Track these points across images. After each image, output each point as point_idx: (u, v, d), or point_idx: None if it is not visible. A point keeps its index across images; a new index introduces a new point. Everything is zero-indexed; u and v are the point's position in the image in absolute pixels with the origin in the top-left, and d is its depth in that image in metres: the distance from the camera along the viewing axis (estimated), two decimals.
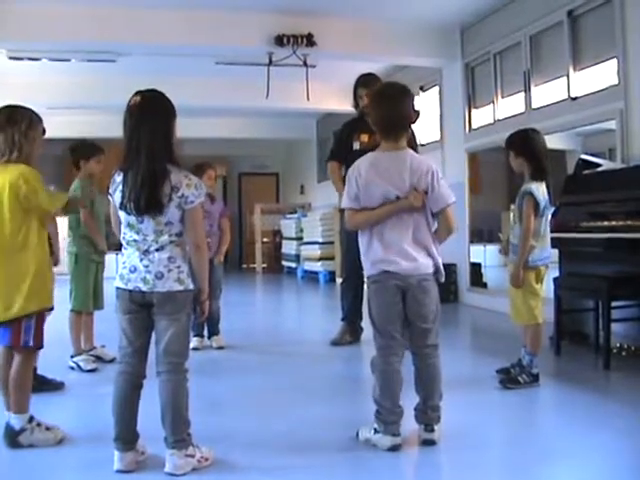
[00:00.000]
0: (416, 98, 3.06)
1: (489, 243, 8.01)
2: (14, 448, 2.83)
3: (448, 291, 7.60)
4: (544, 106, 6.31)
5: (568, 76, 5.93)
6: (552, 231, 3.92)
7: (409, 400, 2.88)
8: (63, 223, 4.57)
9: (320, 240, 11.36)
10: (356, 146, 5.03)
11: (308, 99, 7.67)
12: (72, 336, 4.46)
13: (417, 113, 2.91)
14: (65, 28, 6.49)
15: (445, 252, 3.04)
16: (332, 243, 10.91)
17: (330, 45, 7.12)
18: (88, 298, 4.48)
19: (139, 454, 2.65)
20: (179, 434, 2.56)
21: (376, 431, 2.83)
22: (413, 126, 3.05)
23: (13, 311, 2.82)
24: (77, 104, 9.60)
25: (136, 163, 2.54)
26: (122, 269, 2.61)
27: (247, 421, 3.31)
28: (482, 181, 7.99)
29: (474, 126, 7.66)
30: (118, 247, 2.71)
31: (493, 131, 7.01)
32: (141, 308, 2.59)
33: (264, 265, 14.02)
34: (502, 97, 7.14)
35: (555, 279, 4.63)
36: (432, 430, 2.86)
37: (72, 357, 4.44)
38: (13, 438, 2.84)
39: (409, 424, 2.88)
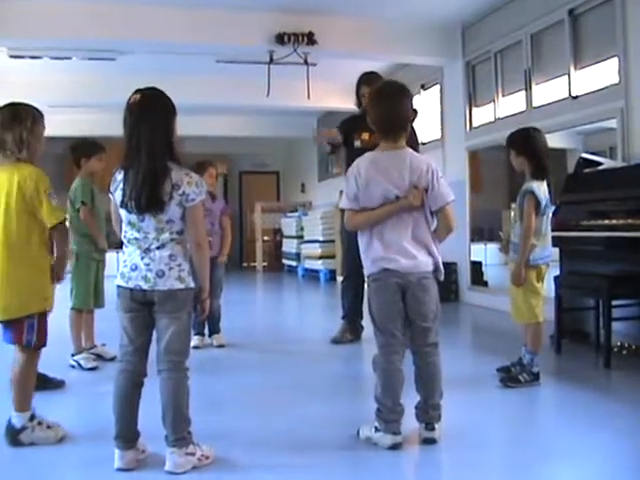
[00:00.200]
0: (417, 97, 3.07)
1: (490, 242, 8.01)
2: (15, 446, 2.83)
3: (449, 290, 7.60)
4: (545, 105, 6.31)
5: (569, 75, 5.93)
6: (553, 230, 3.92)
7: (410, 399, 2.88)
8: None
9: (321, 238, 11.36)
10: (357, 144, 5.03)
11: (309, 97, 7.67)
12: (73, 334, 4.47)
13: (415, 112, 2.91)
14: (66, 26, 6.49)
15: (446, 251, 3.05)
16: (333, 241, 10.92)
17: (331, 44, 7.11)
18: (89, 296, 4.48)
19: (139, 452, 2.65)
20: (180, 432, 2.56)
21: (377, 429, 2.83)
22: (414, 124, 3.05)
23: (15, 311, 2.82)
24: (78, 102, 9.60)
25: (137, 161, 2.54)
26: (123, 267, 2.61)
27: (248, 419, 3.32)
28: (483, 179, 7.99)
29: (475, 124, 7.66)
30: (119, 245, 2.71)
31: (494, 130, 7.01)
32: (142, 306, 2.59)
33: (265, 263, 14.02)
34: (503, 96, 7.14)
35: (556, 278, 4.63)
36: (433, 429, 2.86)
37: (73, 355, 4.44)
38: (14, 436, 2.84)
39: (410, 423, 2.88)
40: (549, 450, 2.80)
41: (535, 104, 6.46)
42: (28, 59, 8.05)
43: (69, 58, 8.16)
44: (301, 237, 12.47)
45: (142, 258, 2.57)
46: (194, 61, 8.45)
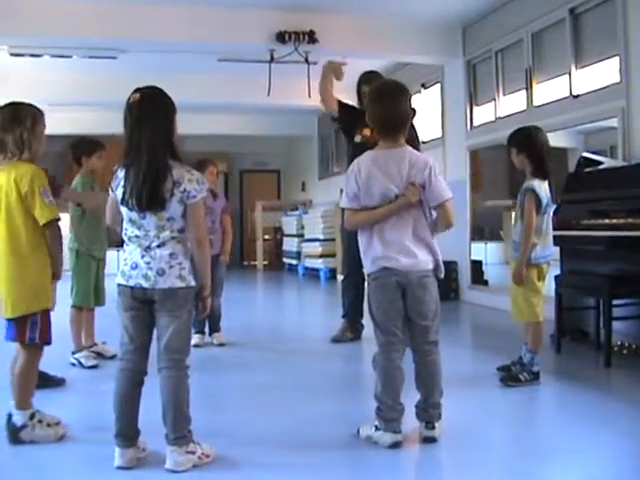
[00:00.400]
0: (418, 96, 3.06)
1: (490, 241, 8.01)
2: (16, 444, 2.84)
3: (449, 289, 7.60)
4: (546, 104, 6.31)
5: (570, 74, 5.93)
6: (554, 229, 3.92)
7: (410, 398, 2.88)
8: (64, 221, 4.59)
9: (321, 237, 11.36)
10: (358, 139, 5.03)
11: (310, 96, 7.64)
12: (73, 332, 4.47)
13: (414, 111, 2.92)
14: (67, 24, 6.49)
15: (446, 249, 3.05)
16: (333, 240, 10.92)
17: (332, 42, 7.11)
18: (89, 294, 4.48)
19: (140, 451, 2.66)
20: (180, 431, 2.57)
21: (377, 428, 2.83)
22: (415, 123, 3.05)
23: (17, 310, 2.83)
24: (78, 101, 9.60)
25: (137, 160, 2.54)
26: (124, 266, 2.61)
27: (248, 418, 3.32)
28: (483, 179, 7.99)
29: (475, 124, 7.65)
30: (119, 244, 2.71)
31: (494, 129, 7.01)
32: (142, 305, 2.59)
33: (265, 262, 14.02)
34: (504, 95, 7.13)
35: (556, 277, 4.63)
36: (433, 427, 2.86)
37: (73, 353, 4.45)
38: (15, 434, 2.85)
39: (410, 421, 2.88)
40: (549, 449, 2.80)
41: (536, 103, 6.45)
42: (29, 57, 8.05)
43: (70, 56, 8.16)
44: (302, 236, 12.47)
45: (142, 256, 2.57)
46: (195, 60, 8.45)
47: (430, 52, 7.73)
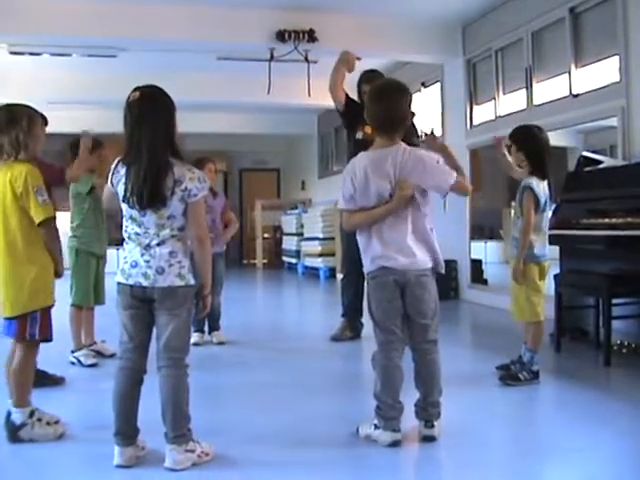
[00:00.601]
0: (418, 94, 3.06)
1: (490, 240, 8.01)
2: (15, 442, 2.84)
3: (449, 288, 7.60)
4: (546, 103, 6.30)
5: (570, 73, 5.92)
6: (553, 228, 3.93)
7: (409, 397, 2.88)
8: (65, 221, 4.59)
9: (321, 236, 11.35)
10: (359, 136, 5.03)
11: (309, 95, 7.66)
12: (72, 331, 4.46)
13: (412, 114, 2.91)
14: (66, 23, 6.48)
15: (446, 248, 3.05)
16: (333, 239, 10.91)
17: (332, 41, 7.10)
18: (89, 293, 4.48)
19: (139, 449, 2.66)
20: (179, 429, 2.57)
21: (376, 427, 2.83)
22: (415, 122, 3.05)
23: (15, 309, 2.83)
24: (77, 99, 9.59)
25: (138, 159, 2.54)
26: (123, 264, 2.61)
27: (247, 416, 3.32)
28: (483, 178, 7.98)
29: (475, 122, 7.65)
30: (119, 242, 2.70)
31: (494, 128, 6.99)
32: (142, 303, 2.59)
33: (265, 261, 14.02)
34: (503, 94, 7.13)
35: (556, 276, 4.63)
36: (432, 426, 2.86)
37: (72, 352, 4.44)
38: (14, 433, 2.85)
39: (409, 420, 2.88)
40: (548, 448, 2.80)
41: (536, 102, 6.45)
42: (28, 56, 8.04)
43: (69, 55, 8.15)
44: (301, 234, 12.46)
45: (142, 255, 2.57)
46: (194, 58, 8.44)
47: (430, 51, 7.73)
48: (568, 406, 3.49)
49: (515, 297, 3.84)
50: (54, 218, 2.89)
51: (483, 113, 7.52)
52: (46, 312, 2.90)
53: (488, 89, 7.36)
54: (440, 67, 8.21)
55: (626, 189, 4.41)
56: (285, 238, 13.43)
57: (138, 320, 2.61)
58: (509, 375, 3.82)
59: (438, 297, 2.93)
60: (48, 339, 2.94)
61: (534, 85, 6.49)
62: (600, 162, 5.19)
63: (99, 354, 4.53)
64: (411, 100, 2.93)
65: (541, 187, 3.74)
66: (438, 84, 8.41)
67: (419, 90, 8.68)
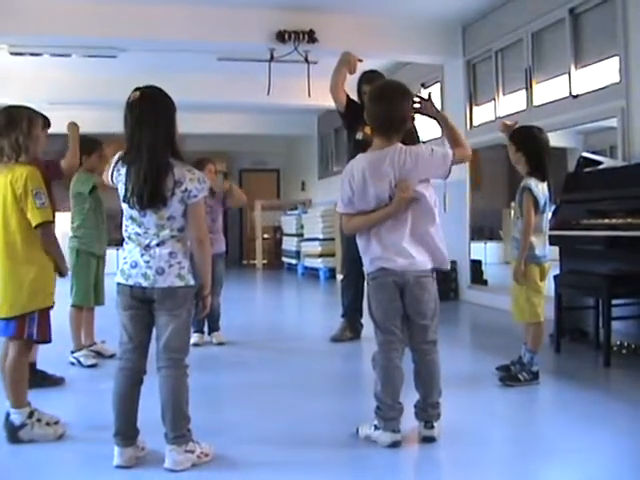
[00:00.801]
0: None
1: (490, 240, 8.01)
2: (14, 443, 2.84)
3: (448, 288, 7.57)
4: (545, 103, 6.31)
5: (569, 74, 5.93)
6: (553, 228, 3.93)
7: (409, 398, 2.88)
8: (65, 220, 4.60)
9: (320, 237, 11.35)
10: (359, 136, 5.03)
11: (309, 95, 7.66)
12: (72, 331, 4.47)
13: (412, 118, 2.91)
14: (67, 23, 6.48)
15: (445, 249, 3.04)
16: (333, 240, 10.91)
17: (332, 41, 7.10)
18: (89, 294, 4.48)
19: (139, 450, 2.66)
20: (179, 430, 2.57)
21: (376, 428, 2.83)
22: (415, 123, 3.05)
23: (13, 310, 2.83)
24: (78, 100, 9.59)
25: (138, 159, 2.54)
26: (123, 264, 2.61)
27: (247, 417, 3.32)
28: (483, 178, 7.98)
29: (475, 123, 7.65)
30: (119, 243, 2.70)
31: (494, 128, 6.97)
32: (142, 304, 2.59)
33: (264, 261, 14.02)
34: (503, 94, 7.13)
35: (555, 277, 4.63)
36: (432, 427, 2.86)
37: (72, 352, 4.44)
38: (14, 433, 2.85)
39: (409, 421, 2.88)
40: (548, 449, 2.80)
41: (536, 103, 6.45)
42: (28, 56, 8.04)
43: (69, 55, 8.15)
44: (301, 235, 12.46)
45: (142, 255, 2.57)
46: (195, 59, 8.44)
47: (430, 52, 7.73)
48: (568, 407, 3.49)
49: (515, 298, 3.84)
50: (51, 222, 2.89)
51: (483, 114, 7.52)
52: (45, 313, 2.90)
53: (488, 90, 7.37)
54: (440, 68, 8.21)
55: (626, 190, 4.42)
56: (285, 239, 13.43)
57: (138, 321, 2.61)
58: (509, 376, 3.82)
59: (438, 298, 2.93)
60: (47, 340, 2.94)
61: (534, 86, 6.49)
62: (600, 163, 5.19)
63: (99, 355, 4.54)
64: (412, 102, 2.93)
65: (540, 188, 3.74)
66: (438, 85, 8.41)
67: (419, 91, 8.68)
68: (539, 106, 6.38)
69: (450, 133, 3.00)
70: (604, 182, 4.80)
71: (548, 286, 4.07)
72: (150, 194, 2.51)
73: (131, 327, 2.61)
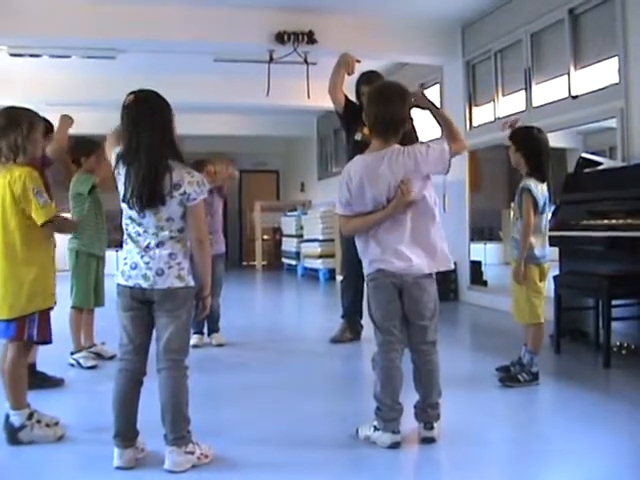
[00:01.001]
0: None
1: (489, 241, 8.00)
2: (14, 444, 2.83)
3: (448, 289, 7.57)
4: (545, 104, 6.30)
5: (569, 74, 5.93)
6: (552, 229, 3.93)
7: (409, 399, 2.88)
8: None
9: (320, 238, 11.35)
10: (358, 137, 5.03)
11: (309, 97, 7.66)
12: (72, 333, 4.46)
13: (411, 120, 2.91)
14: (66, 24, 6.48)
15: None
16: (332, 241, 10.91)
17: (331, 42, 7.10)
18: (89, 295, 4.48)
19: (139, 451, 2.66)
20: (179, 431, 2.57)
21: (376, 428, 2.83)
22: (415, 123, 3.05)
23: (12, 312, 2.83)
24: (77, 101, 9.58)
25: (137, 162, 2.54)
26: (123, 265, 2.61)
27: (247, 418, 3.32)
28: (482, 179, 7.98)
29: (474, 124, 7.65)
30: (119, 244, 2.70)
31: (494, 129, 6.99)
32: (142, 305, 2.59)
33: (264, 262, 14.01)
34: (503, 95, 7.13)
35: (555, 277, 4.63)
36: (432, 428, 2.86)
37: (72, 354, 4.44)
38: (13, 435, 2.84)
39: (409, 422, 2.88)
40: (548, 449, 2.80)
41: (535, 104, 6.45)
42: (28, 57, 8.05)
43: (68, 56, 8.15)
44: (301, 236, 12.46)
45: (142, 256, 2.57)
46: (194, 60, 8.45)
47: (429, 52, 7.73)
48: (568, 407, 3.49)
49: (515, 298, 3.84)
50: (57, 216, 2.90)
51: (482, 114, 7.52)
52: (45, 314, 2.90)
53: (487, 90, 7.37)
54: (439, 68, 8.21)
55: (625, 190, 4.42)
56: (285, 240, 13.43)
57: (138, 322, 2.61)
58: (509, 377, 3.82)
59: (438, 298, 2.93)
60: (47, 341, 2.94)
61: (533, 86, 6.49)
62: (599, 163, 5.19)
63: (99, 356, 4.53)
64: (411, 103, 2.93)
65: (539, 188, 3.74)
66: (437, 85, 8.40)
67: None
68: (538, 107, 6.38)
69: (445, 124, 2.98)
70: (604, 183, 4.80)
71: (548, 287, 4.07)
72: (149, 195, 2.52)
73: (131, 328, 2.61)
